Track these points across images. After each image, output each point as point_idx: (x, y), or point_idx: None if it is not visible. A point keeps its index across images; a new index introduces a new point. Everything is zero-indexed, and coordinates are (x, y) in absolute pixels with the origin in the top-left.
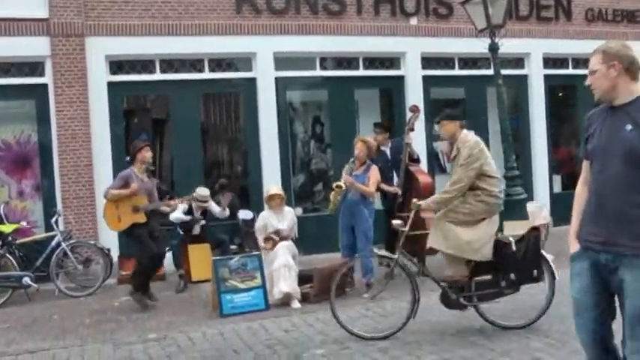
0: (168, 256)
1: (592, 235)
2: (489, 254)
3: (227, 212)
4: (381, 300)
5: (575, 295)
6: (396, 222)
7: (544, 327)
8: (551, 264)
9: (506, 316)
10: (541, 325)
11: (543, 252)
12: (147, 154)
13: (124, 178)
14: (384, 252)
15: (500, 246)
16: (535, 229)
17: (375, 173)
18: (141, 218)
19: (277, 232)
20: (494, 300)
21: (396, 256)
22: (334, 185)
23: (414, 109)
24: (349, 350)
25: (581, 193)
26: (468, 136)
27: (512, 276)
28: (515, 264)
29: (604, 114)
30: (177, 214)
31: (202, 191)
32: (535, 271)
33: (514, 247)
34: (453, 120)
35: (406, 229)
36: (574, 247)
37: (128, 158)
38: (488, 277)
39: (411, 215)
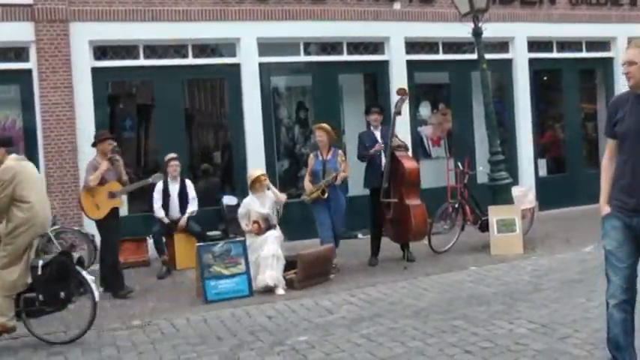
0: (151, 243)
1: (624, 203)
2: (30, 277)
3: None
4: (366, 287)
5: (609, 248)
6: None
7: (528, 312)
8: (92, 284)
9: (54, 332)
10: (525, 310)
11: (84, 273)
12: (108, 146)
13: (92, 169)
14: None
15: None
16: (64, 253)
17: (342, 157)
18: (118, 203)
19: (267, 220)
20: (38, 316)
21: None
22: (320, 192)
23: (402, 92)
24: (333, 337)
25: (608, 166)
26: (7, 163)
27: (41, 297)
28: (42, 285)
29: (630, 100)
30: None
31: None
32: (63, 293)
33: (40, 271)
34: None
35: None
36: (605, 210)
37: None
38: (32, 294)
39: None
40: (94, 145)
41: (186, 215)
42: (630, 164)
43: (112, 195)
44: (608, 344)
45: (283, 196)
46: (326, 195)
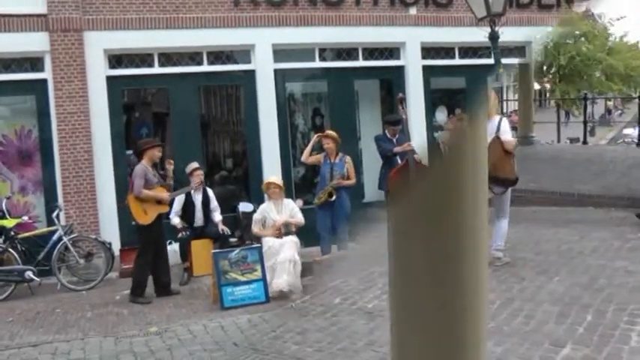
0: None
1: None
2: None
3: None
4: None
5: None
6: None
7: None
8: None
9: None
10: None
11: None
12: (158, 153)
13: (143, 175)
14: None
15: None
16: None
17: (351, 164)
18: (164, 209)
19: (287, 225)
20: None
21: None
22: (328, 193)
23: (399, 99)
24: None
25: None
26: None
27: None
28: None
29: None
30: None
31: None
32: None
33: None
34: None
35: None
36: None
37: (131, 152)
38: None
39: None
40: (140, 152)
41: (220, 223)
42: None
43: (159, 200)
44: None
45: (301, 222)
46: (334, 197)
